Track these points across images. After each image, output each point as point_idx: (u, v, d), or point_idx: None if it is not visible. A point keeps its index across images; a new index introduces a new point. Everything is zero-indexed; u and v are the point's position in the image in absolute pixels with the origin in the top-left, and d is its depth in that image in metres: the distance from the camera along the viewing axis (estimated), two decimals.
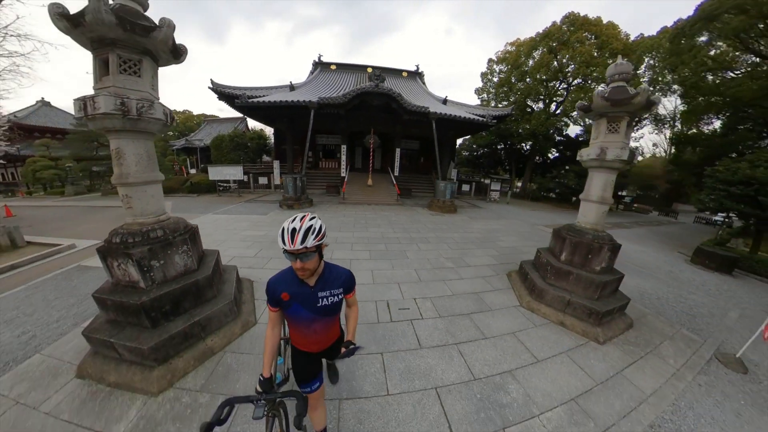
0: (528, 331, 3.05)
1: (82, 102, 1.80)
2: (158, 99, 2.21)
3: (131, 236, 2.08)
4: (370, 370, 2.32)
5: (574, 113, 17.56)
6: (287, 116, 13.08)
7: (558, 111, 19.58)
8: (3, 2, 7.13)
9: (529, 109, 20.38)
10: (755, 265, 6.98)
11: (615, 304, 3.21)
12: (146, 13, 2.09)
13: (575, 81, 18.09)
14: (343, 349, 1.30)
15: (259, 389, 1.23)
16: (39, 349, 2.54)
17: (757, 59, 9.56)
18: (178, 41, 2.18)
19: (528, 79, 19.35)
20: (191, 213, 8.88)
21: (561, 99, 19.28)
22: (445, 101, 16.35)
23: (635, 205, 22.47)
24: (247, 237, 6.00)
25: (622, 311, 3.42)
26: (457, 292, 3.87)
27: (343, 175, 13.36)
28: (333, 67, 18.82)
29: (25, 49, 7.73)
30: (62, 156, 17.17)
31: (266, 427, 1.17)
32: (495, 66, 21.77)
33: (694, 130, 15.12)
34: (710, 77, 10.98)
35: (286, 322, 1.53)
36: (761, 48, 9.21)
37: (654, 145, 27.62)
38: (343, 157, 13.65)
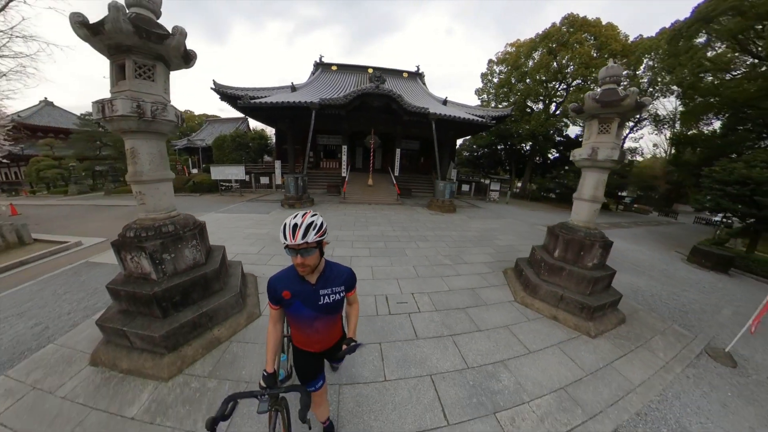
0: (521, 324, 3.16)
1: (101, 105, 1.93)
2: (170, 102, 2.34)
3: (144, 231, 2.22)
4: (368, 358, 2.44)
5: None
6: (289, 117, 13.21)
7: (558, 112, 19.68)
8: (10, 4, 7.30)
9: (529, 110, 20.49)
10: (751, 264, 7.06)
11: (607, 300, 3.31)
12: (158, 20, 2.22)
13: (575, 82, 18.20)
14: (344, 346, 1.30)
15: (263, 384, 1.25)
16: (52, 339, 2.66)
17: (756, 61, 9.63)
18: None
19: (528, 80, 19.46)
20: (194, 212, 8.90)
21: (561, 100, 19.39)
22: (445, 102, 16.46)
23: (635, 205, 22.53)
24: (250, 235, 6.14)
25: (614, 307, 3.52)
26: (453, 287, 3.98)
27: (343, 174, 13.49)
28: (334, 67, 18.95)
29: (31, 50, 7.90)
30: (66, 155, 17.36)
31: (269, 422, 1.21)
32: (495, 67, 21.89)
33: (694, 131, 15.16)
34: (709, 78, 11.05)
35: (287, 321, 1.54)
36: (759, 50, 9.28)
37: (654, 145, 27.70)
38: (344, 157, 13.78)
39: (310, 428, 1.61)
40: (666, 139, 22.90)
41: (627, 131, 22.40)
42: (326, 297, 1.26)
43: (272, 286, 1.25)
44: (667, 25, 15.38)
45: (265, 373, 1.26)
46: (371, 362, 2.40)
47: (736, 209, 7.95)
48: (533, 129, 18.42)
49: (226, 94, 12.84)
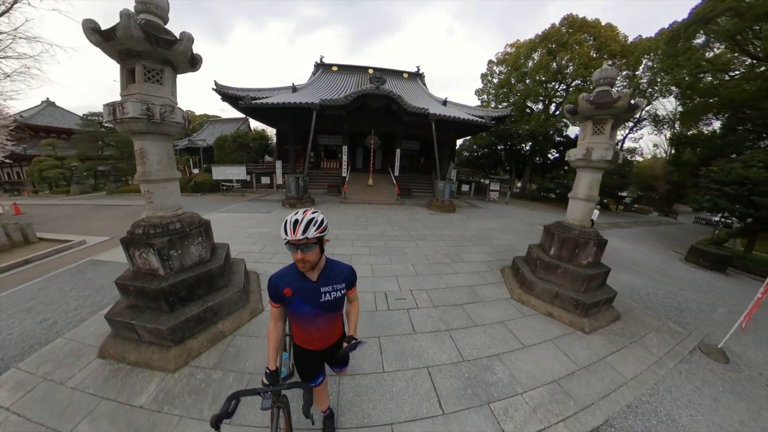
0: (517, 320, 3.24)
1: (112, 107, 2.02)
2: (177, 104, 2.43)
3: (152, 228, 2.30)
4: (367, 351, 2.52)
5: None
6: (290, 117, 13.30)
7: (557, 112, 19.74)
8: (15, 5, 7.40)
9: (529, 110, 20.56)
10: (749, 263, 7.12)
11: (601, 297, 3.38)
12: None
13: (574, 82, 18.27)
14: (345, 344, 1.30)
15: (266, 381, 1.26)
16: (61, 334, 2.74)
17: (754, 61, 9.68)
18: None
19: (527, 81, 19.54)
20: (196, 211, 9.09)
21: (560, 100, 19.45)
22: (445, 102, 16.54)
23: (635, 205, 22.58)
24: (252, 234, 6.22)
25: (609, 304, 3.59)
26: (451, 285, 4.06)
27: (344, 175, 13.57)
28: (335, 68, 19.04)
29: (35, 51, 8.01)
30: (68, 155, 17.48)
31: (272, 419, 1.24)
32: (495, 67, 21.98)
33: (694, 131, 15.21)
34: (709, 78, 11.09)
35: (288, 319, 1.54)
36: (758, 50, 9.32)
37: (655, 145, 27.76)
38: (345, 158, 13.86)
39: (313, 423, 1.67)
40: (666, 139, 22.94)
41: (627, 131, 22.45)
42: (327, 294, 1.27)
43: (273, 283, 1.26)
44: (666, 26, 15.43)
45: (268, 371, 1.27)
46: (370, 355, 2.48)
47: (733, 209, 8.01)
48: (533, 129, 18.49)
49: (228, 95, 12.93)
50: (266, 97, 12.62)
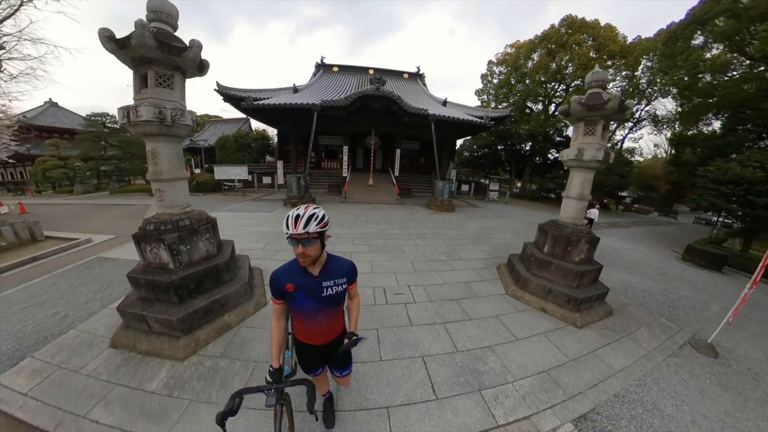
0: (510, 315, 3.35)
1: (126, 110, 2.15)
2: (186, 107, 2.56)
3: (163, 224, 2.44)
4: (366, 342, 2.64)
5: None
6: (291, 118, 13.43)
7: (557, 112, 19.79)
8: (22, 6, 7.54)
9: (528, 111, 20.63)
10: (745, 262, 7.18)
11: (593, 293, 3.49)
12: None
13: (574, 83, 18.33)
14: (346, 340, 1.31)
15: (269, 379, 1.27)
16: (73, 326, 2.87)
17: (752, 62, 9.73)
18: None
19: (527, 81, 19.61)
20: None
21: (560, 100, 19.52)
22: (445, 103, 16.64)
23: (635, 205, 22.62)
24: (255, 232, 6.35)
25: (601, 300, 3.69)
26: (448, 281, 4.17)
27: (344, 175, 13.70)
28: (335, 69, 19.18)
29: (39, 52, 8.14)
30: (71, 155, 17.66)
31: (275, 416, 1.27)
32: (495, 68, 22.05)
33: (694, 131, 15.24)
34: (708, 78, 11.14)
35: (290, 314, 1.55)
36: (754, 51, 9.38)
37: (655, 145, 27.76)
38: (345, 158, 14.00)
39: (317, 419, 1.77)
40: (666, 139, 22.96)
41: (626, 131, 22.47)
42: (329, 289, 1.29)
43: (276, 279, 1.27)
44: (665, 27, 15.49)
45: (271, 369, 1.29)
46: (368, 345, 2.61)
47: (730, 209, 8.08)
48: (533, 129, 18.57)
49: (229, 96, 13.07)
50: (267, 98, 12.77)
